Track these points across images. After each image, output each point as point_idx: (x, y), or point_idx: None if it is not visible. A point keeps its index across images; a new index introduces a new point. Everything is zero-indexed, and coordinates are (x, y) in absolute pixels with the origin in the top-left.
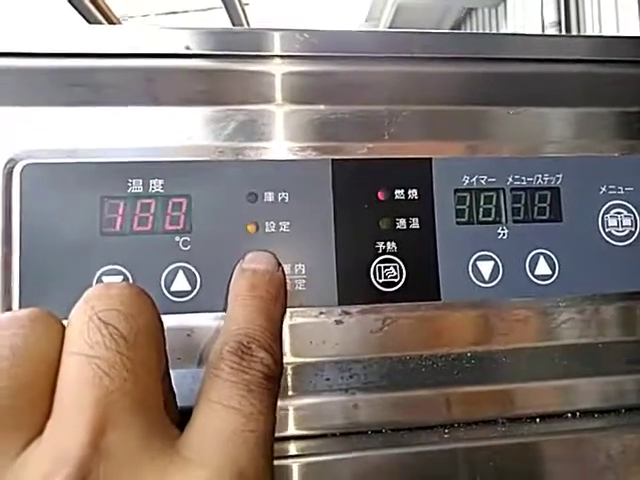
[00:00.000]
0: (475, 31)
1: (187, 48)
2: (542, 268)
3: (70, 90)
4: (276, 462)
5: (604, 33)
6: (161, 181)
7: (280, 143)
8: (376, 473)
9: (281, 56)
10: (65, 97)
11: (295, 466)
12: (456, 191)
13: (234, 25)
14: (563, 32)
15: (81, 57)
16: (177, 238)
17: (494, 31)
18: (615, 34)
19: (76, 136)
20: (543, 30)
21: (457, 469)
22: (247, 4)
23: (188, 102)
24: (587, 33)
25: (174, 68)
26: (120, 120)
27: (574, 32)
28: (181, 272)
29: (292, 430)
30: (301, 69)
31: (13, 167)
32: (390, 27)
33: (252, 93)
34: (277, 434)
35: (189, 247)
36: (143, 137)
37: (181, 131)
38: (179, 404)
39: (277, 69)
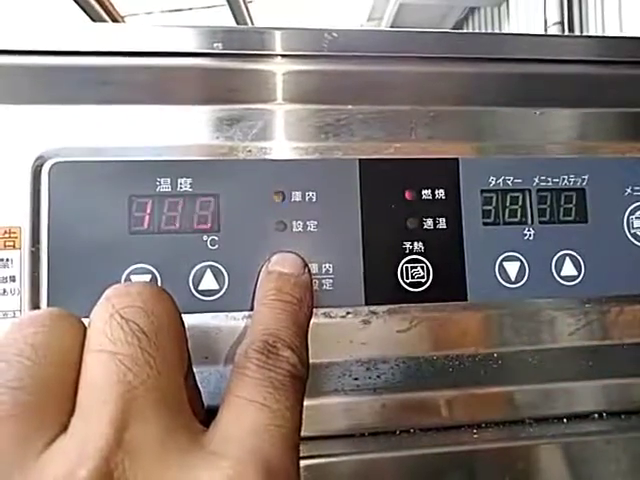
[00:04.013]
0: (477, 31)
1: (217, 47)
2: (568, 269)
3: (98, 88)
4: (303, 462)
5: (607, 33)
6: (189, 180)
7: (308, 143)
8: (405, 473)
9: (310, 56)
10: (93, 95)
11: (321, 466)
12: (483, 191)
13: (237, 22)
14: (566, 32)
15: (109, 55)
16: (205, 237)
17: (496, 31)
18: (618, 34)
19: (104, 134)
20: (545, 30)
21: (486, 469)
22: (250, 2)
23: (215, 101)
24: (590, 33)
25: (202, 67)
26: (148, 119)
27: (577, 32)
28: (209, 271)
29: (320, 430)
30: (328, 68)
31: (42, 165)
32: (392, 26)
33: (280, 92)
34: (305, 434)
35: (217, 246)
36: (171, 136)
37: (209, 130)
38: (206, 403)
39: (304, 68)
